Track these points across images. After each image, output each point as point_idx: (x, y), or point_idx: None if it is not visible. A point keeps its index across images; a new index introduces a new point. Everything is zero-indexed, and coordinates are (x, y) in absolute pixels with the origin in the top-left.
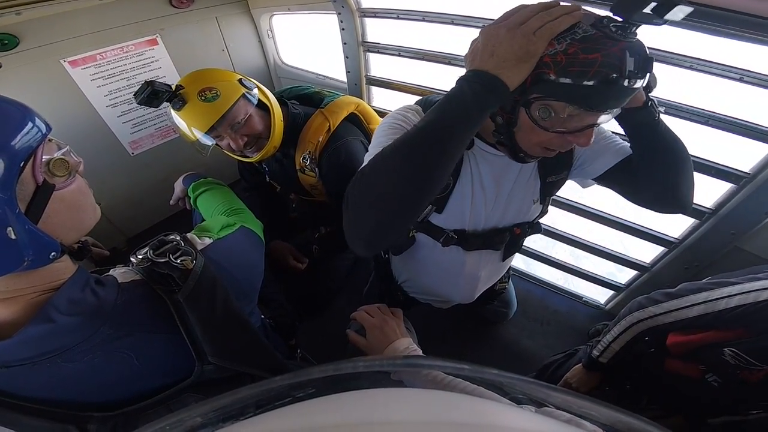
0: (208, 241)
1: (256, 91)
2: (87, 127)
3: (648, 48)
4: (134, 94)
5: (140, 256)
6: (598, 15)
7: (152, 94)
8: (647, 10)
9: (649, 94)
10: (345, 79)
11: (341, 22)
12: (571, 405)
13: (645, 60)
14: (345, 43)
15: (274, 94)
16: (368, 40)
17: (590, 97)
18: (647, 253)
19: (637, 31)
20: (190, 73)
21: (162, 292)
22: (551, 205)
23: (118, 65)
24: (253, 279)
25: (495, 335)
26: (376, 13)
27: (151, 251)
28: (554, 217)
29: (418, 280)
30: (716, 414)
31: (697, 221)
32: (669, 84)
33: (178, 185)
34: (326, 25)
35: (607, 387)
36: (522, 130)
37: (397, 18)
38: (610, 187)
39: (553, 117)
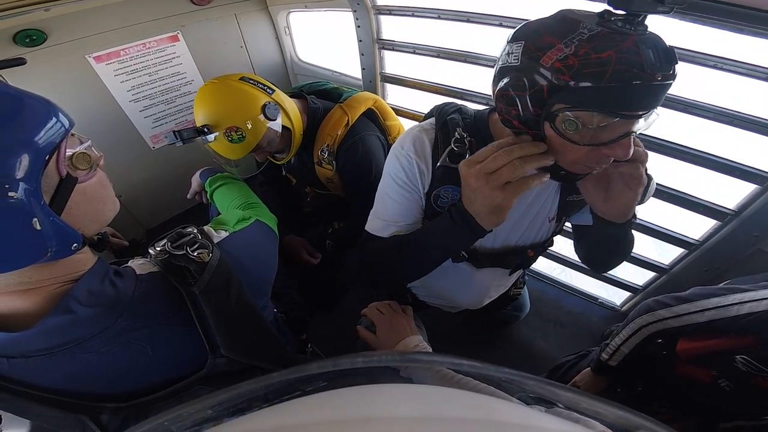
0: (224, 234)
1: (279, 119)
2: (110, 122)
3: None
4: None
5: (158, 248)
6: (595, 13)
7: (182, 140)
8: None
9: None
10: (360, 76)
11: (357, 19)
12: (579, 403)
13: (665, 51)
14: (360, 41)
15: (294, 89)
16: (383, 38)
17: (618, 100)
18: (666, 254)
19: (648, 24)
20: (212, 100)
21: (178, 285)
22: None
23: (141, 61)
24: (266, 272)
25: (507, 336)
26: (391, 11)
27: (169, 244)
28: None
29: (427, 285)
30: (729, 418)
31: (719, 223)
32: (694, 83)
33: (195, 179)
34: (342, 22)
35: (618, 389)
36: (553, 147)
37: (413, 15)
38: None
39: (582, 129)
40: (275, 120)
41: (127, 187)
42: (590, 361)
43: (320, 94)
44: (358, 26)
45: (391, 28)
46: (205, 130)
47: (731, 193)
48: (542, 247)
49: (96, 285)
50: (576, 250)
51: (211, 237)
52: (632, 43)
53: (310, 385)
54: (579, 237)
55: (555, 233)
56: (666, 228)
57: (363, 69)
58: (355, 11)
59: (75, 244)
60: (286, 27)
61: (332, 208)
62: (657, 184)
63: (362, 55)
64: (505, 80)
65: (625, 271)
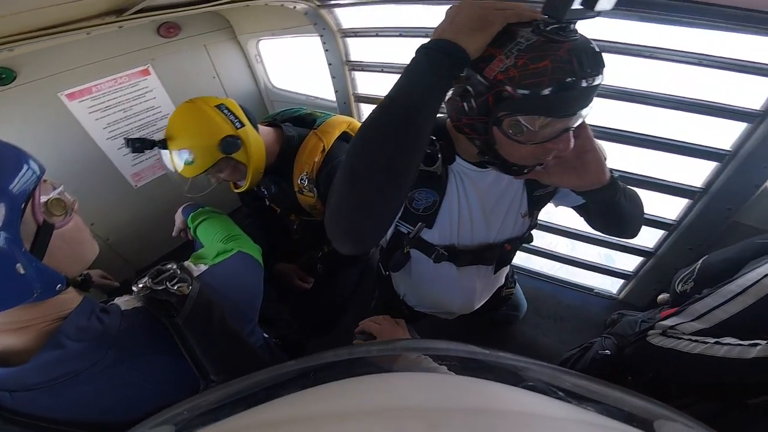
0: (203, 267)
1: (240, 149)
2: (89, 161)
3: (608, 41)
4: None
5: (141, 285)
6: (534, 15)
7: (132, 149)
8: (577, 5)
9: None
10: (334, 99)
11: (324, 43)
12: (582, 387)
13: (593, 56)
14: (330, 64)
15: (268, 117)
16: (352, 59)
17: (555, 104)
18: (650, 239)
19: (581, 27)
20: (179, 118)
21: (162, 317)
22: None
23: (114, 97)
24: (251, 300)
25: (509, 336)
26: (356, 33)
27: (150, 280)
28: (552, 212)
29: (417, 294)
30: (756, 394)
31: (691, 201)
32: (637, 74)
33: (178, 216)
34: (312, 46)
35: (629, 377)
36: (503, 147)
37: (377, 36)
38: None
39: (527, 131)
40: (230, 154)
41: (113, 229)
42: (594, 352)
43: (295, 121)
44: (327, 50)
45: (359, 49)
46: (160, 144)
47: (696, 171)
48: (519, 242)
49: (83, 321)
50: (592, 227)
51: (190, 271)
52: (565, 52)
53: (286, 389)
54: (586, 216)
55: (531, 227)
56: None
57: (336, 91)
58: (321, 36)
59: (59, 285)
60: (257, 55)
61: (319, 232)
62: (626, 172)
63: (334, 77)
64: (453, 90)
65: (614, 259)
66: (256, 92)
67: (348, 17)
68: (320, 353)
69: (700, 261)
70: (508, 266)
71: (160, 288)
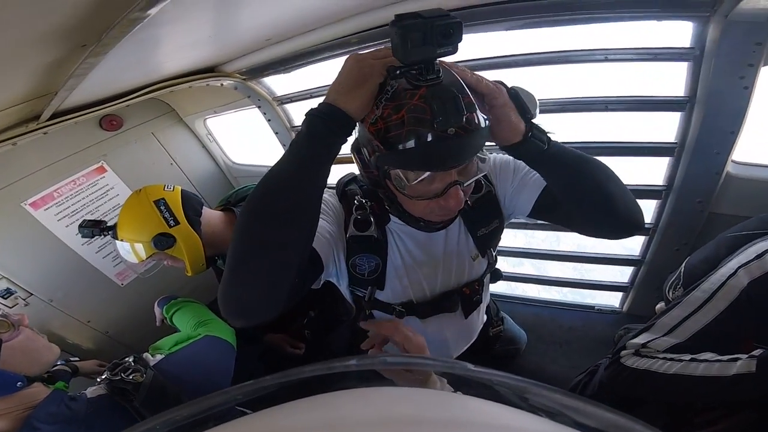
0: (159, 357)
1: (174, 245)
2: (72, 270)
3: (519, 54)
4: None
5: (103, 377)
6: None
7: (82, 234)
8: (417, 46)
9: (534, 122)
10: None
11: (264, 113)
12: (554, 401)
13: (452, 101)
14: (277, 132)
15: (222, 201)
16: (296, 124)
17: (423, 158)
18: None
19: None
20: (123, 210)
21: (122, 401)
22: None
23: (77, 200)
24: (216, 379)
25: (516, 370)
26: (291, 99)
27: (108, 372)
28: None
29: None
30: None
31: (660, 201)
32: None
33: (156, 309)
34: (260, 117)
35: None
36: (403, 202)
37: (311, 97)
38: (550, 221)
39: (407, 185)
40: (163, 250)
41: (110, 324)
42: (602, 376)
43: None
44: (269, 120)
45: (301, 112)
46: (112, 234)
47: (653, 171)
48: (479, 283)
49: (53, 409)
50: (579, 229)
51: (147, 361)
52: (419, 99)
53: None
54: (557, 218)
55: (490, 266)
56: None
57: None
58: (260, 107)
59: (19, 383)
60: (208, 134)
61: (303, 300)
62: None
63: (284, 145)
64: (351, 144)
65: (609, 274)
66: (218, 171)
67: (279, 84)
68: (299, 368)
69: (684, 264)
70: (481, 308)
71: (116, 378)
